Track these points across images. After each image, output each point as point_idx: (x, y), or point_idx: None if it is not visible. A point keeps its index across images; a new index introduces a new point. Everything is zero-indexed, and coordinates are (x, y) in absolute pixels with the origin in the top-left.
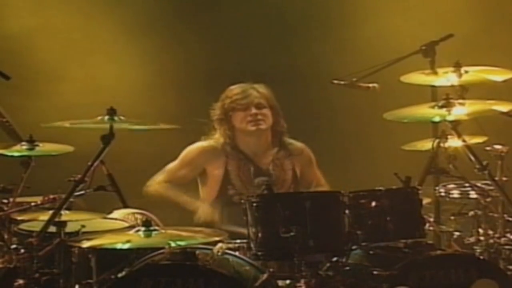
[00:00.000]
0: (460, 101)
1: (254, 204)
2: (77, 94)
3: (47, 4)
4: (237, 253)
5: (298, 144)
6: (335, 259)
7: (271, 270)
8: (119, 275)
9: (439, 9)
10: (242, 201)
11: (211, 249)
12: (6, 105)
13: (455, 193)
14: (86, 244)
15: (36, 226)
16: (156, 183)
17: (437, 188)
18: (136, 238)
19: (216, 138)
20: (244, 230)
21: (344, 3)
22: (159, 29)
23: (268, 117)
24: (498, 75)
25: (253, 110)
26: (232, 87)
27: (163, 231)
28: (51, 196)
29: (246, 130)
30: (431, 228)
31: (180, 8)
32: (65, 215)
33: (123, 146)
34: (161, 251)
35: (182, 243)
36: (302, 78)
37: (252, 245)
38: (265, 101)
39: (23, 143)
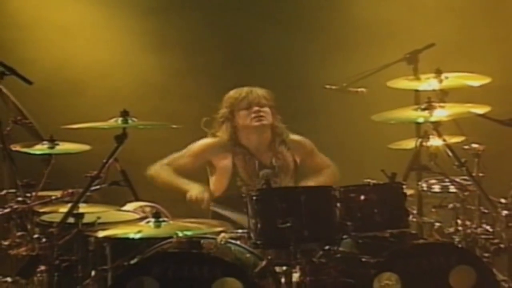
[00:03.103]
0: (441, 104)
1: (254, 198)
2: (93, 97)
3: (68, 11)
4: (238, 242)
5: (296, 137)
6: (327, 247)
7: (269, 257)
8: (131, 262)
9: (421, 20)
10: (244, 194)
11: (214, 239)
12: (29, 108)
13: (436, 188)
14: (101, 234)
15: (56, 218)
16: (158, 165)
17: (419, 183)
18: (147, 229)
19: (220, 136)
20: (234, 216)
21: (337, 16)
22: (169, 39)
23: (269, 114)
24: (475, 81)
25: (256, 108)
26: (235, 90)
27: (171, 222)
28: (70, 191)
29: (250, 126)
30: (414, 219)
31: (189, 17)
32: (83, 207)
33: (135, 145)
34: (169, 240)
35: (188, 233)
36: (298, 83)
37: (252, 235)
38: (265, 100)
39: (45, 142)
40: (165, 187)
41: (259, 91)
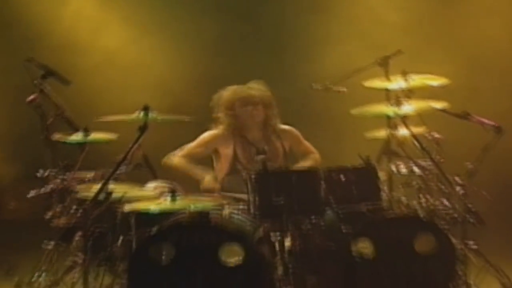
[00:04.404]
0: (407, 100)
1: (253, 178)
2: (120, 94)
3: (100, 21)
4: (240, 214)
5: (286, 128)
6: (313, 218)
7: (265, 227)
8: (152, 231)
9: (391, 31)
10: (244, 175)
11: (220, 211)
12: (67, 103)
13: (403, 169)
14: (127, 208)
15: (90, 194)
16: (176, 157)
17: (390, 165)
18: (165, 203)
19: (224, 128)
20: (239, 196)
21: (319, 29)
22: (182, 45)
23: (261, 111)
24: (435, 81)
25: (250, 107)
26: (235, 87)
27: (185, 197)
28: (101, 172)
29: (246, 121)
30: (385, 195)
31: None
32: (111, 186)
33: (156, 134)
34: (183, 212)
35: (199, 206)
36: (292, 83)
37: (251, 209)
38: (259, 99)
39: (80, 132)
40: (180, 174)
41: (254, 90)
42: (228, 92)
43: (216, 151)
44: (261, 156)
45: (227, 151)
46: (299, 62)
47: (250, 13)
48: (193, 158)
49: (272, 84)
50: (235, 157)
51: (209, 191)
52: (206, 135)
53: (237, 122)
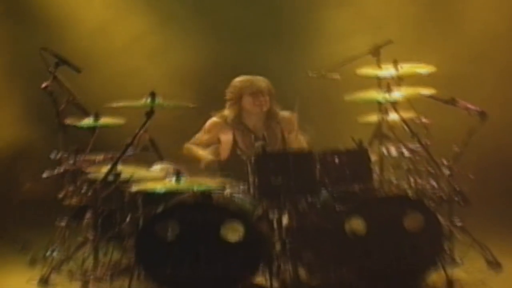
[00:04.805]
0: (397, 87)
1: (253, 160)
2: (129, 81)
3: (112, 12)
4: (240, 194)
5: (286, 114)
6: (309, 198)
7: (264, 206)
8: (158, 210)
9: (382, 22)
10: (245, 158)
11: (222, 192)
12: (79, 90)
13: (394, 152)
14: (134, 188)
15: (100, 176)
16: (187, 145)
17: (381, 148)
18: (170, 184)
19: (225, 115)
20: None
21: (315, 20)
22: (187, 34)
23: (268, 101)
24: (424, 69)
25: (261, 98)
26: (243, 77)
27: (188, 179)
28: (110, 155)
29: (252, 111)
30: (376, 177)
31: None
32: (120, 167)
33: (161, 119)
34: (187, 193)
35: (202, 187)
36: (288, 71)
37: (251, 189)
38: (267, 90)
39: (90, 117)
40: (193, 158)
41: (262, 82)
42: (238, 81)
43: (218, 138)
44: (260, 142)
45: (227, 138)
46: (307, 54)
47: (272, 8)
48: (202, 145)
49: (280, 74)
50: (235, 143)
51: (205, 164)
52: (208, 123)
53: (241, 110)
